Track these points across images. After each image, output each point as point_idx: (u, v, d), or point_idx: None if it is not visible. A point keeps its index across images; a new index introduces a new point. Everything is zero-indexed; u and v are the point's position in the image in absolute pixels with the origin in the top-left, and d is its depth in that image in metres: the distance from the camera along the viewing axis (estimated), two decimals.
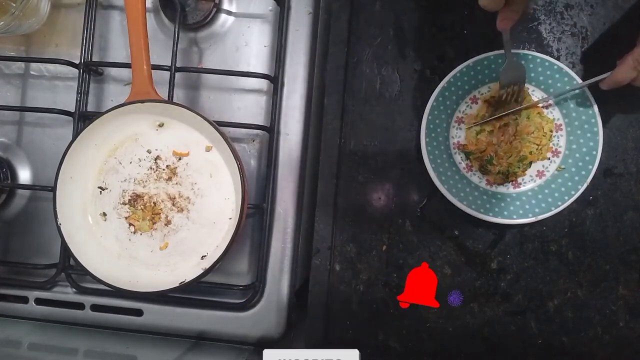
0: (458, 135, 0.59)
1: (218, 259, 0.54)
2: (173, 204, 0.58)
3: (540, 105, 0.57)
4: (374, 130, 0.60)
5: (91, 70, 0.62)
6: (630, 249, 0.57)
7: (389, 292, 0.59)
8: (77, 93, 0.61)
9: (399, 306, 0.59)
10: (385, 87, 0.61)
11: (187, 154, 0.59)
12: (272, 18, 0.63)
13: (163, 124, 0.59)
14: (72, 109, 0.61)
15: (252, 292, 0.59)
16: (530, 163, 0.57)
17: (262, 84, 0.62)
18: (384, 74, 0.61)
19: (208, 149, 0.58)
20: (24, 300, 0.62)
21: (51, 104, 0.64)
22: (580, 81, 0.55)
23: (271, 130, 0.60)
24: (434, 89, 0.58)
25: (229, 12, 0.63)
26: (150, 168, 0.59)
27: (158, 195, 0.59)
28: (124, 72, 0.63)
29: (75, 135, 0.57)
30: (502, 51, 0.57)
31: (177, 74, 0.59)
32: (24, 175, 0.65)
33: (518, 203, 0.57)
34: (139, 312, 0.61)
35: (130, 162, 0.59)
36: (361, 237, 0.60)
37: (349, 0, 0.61)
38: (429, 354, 0.58)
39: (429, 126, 0.58)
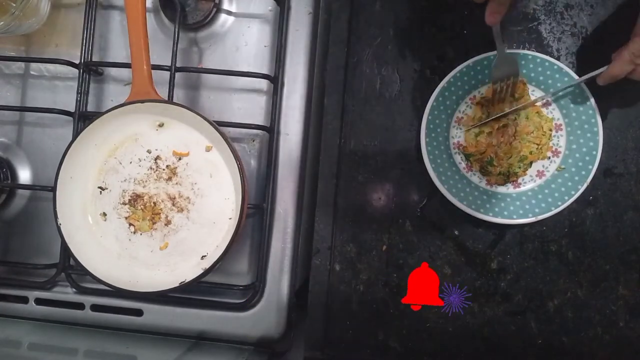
0: (458, 135, 0.59)
1: (218, 259, 0.54)
2: (173, 204, 0.58)
3: (540, 104, 0.57)
4: (374, 130, 0.60)
5: (91, 70, 0.62)
6: (630, 249, 0.57)
7: (389, 292, 0.59)
8: (77, 93, 0.61)
9: (399, 306, 0.59)
10: (385, 87, 0.61)
11: (187, 154, 0.59)
12: (272, 18, 0.63)
13: (163, 124, 0.59)
14: (72, 109, 0.61)
15: (252, 292, 0.59)
16: (531, 163, 0.57)
17: (262, 84, 0.62)
18: (384, 74, 0.61)
19: (208, 149, 0.58)
20: (24, 300, 0.62)
21: (51, 104, 0.64)
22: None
23: (271, 130, 0.60)
24: (434, 89, 0.58)
25: (229, 12, 0.63)
26: (150, 168, 0.59)
27: (158, 195, 0.59)
28: (124, 72, 0.63)
29: (75, 135, 0.57)
30: None
31: (177, 74, 0.59)
32: (24, 175, 0.65)
33: (518, 203, 0.57)
34: (139, 312, 0.61)
35: (130, 162, 0.59)
36: (361, 237, 0.60)
37: (349, 0, 0.61)
38: (429, 354, 0.58)
39: (429, 126, 0.58)
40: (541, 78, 0.57)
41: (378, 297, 0.59)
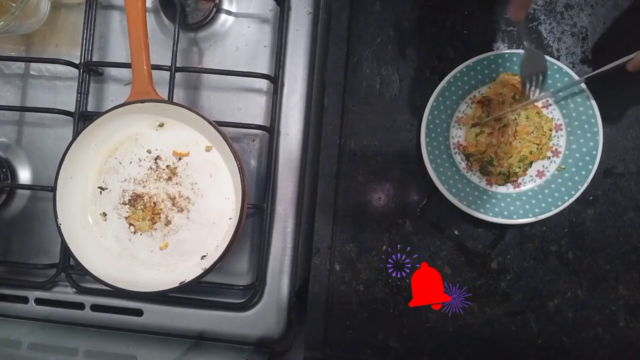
0: (458, 135, 0.59)
1: (218, 259, 0.54)
2: (173, 204, 0.58)
3: (540, 105, 0.57)
4: (374, 130, 0.60)
5: (91, 70, 0.62)
6: (630, 249, 0.57)
7: (389, 292, 0.59)
8: (77, 93, 0.61)
9: (399, 306, 0.59)
10: (385, 87, 0.61)
11: (187, 154, 0.59)
12: (272, 18, 0.63)
13: (163, 124, 0.59)
14: (72, 109, 0.61)
15: (252, 292, 0.59)
16: (531, 163, 0.57)
17: (262, 84, 0.62)
18: (384, 74, 0.61)
19: (208, 149, 0.58)
20: (24, 300, 0.62)
21: (51, 104, 0.64)
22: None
23: (271, 130, 0.60)
24: (434, 89, 0.58)
25: (229, 12, 0.63)
26: (150, 168, 0.59)
27: (158, 195, 0.59)
28: (124, 72, 0.63)
29: (75, 135, 0.57)
30: (502, 51, 0.57)
31: (177, 74, 0.59)
32: (24, 175, 0.65)
33: (518, 203, 0.57)
34: (139, 312, 0.61)
35: (130, 162, 0.59)
36: (361, 237, 0.60)
37: (349, 0, 0.61)
38: (429, 354, 0.58)
39: (429, 126, 0.58)
40: None
41: (378, 297, 0.59)
